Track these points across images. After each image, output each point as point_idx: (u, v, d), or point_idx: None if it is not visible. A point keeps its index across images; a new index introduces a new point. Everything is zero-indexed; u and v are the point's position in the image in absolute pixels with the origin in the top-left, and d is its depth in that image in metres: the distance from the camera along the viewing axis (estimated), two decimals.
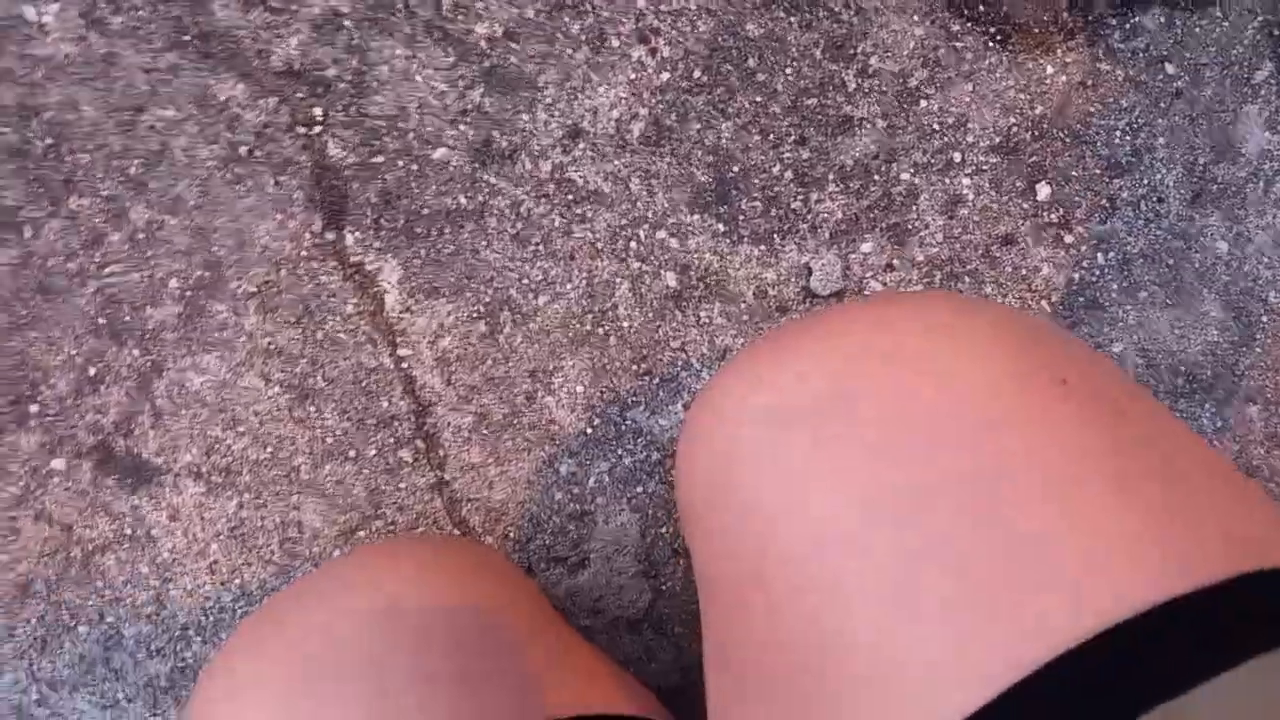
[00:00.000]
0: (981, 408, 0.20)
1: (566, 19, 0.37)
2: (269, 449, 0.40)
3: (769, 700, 0.21)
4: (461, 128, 0.38)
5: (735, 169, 0.39)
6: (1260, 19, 0.40)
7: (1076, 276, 0.42)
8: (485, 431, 0.40)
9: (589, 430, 0.42)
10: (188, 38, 0.36)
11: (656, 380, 0.41)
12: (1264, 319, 0.42)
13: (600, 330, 0.40)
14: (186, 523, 0.42)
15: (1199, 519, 0.19)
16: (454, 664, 0.24)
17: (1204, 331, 0.43)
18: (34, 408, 0.40)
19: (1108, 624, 0.16)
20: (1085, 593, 0.17)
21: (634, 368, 0.41)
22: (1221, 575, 0.17)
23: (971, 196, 0.40)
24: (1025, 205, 0.40)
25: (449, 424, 0.41)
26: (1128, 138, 0.40)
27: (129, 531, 0.42)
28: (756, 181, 0.40)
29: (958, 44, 0.38)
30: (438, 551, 0.31)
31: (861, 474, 0.20)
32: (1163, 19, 0.39)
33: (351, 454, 0.40)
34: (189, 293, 0.38)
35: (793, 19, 0.38)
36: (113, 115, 0.37)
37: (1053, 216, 0.40)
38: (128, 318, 0.39)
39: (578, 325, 0.40)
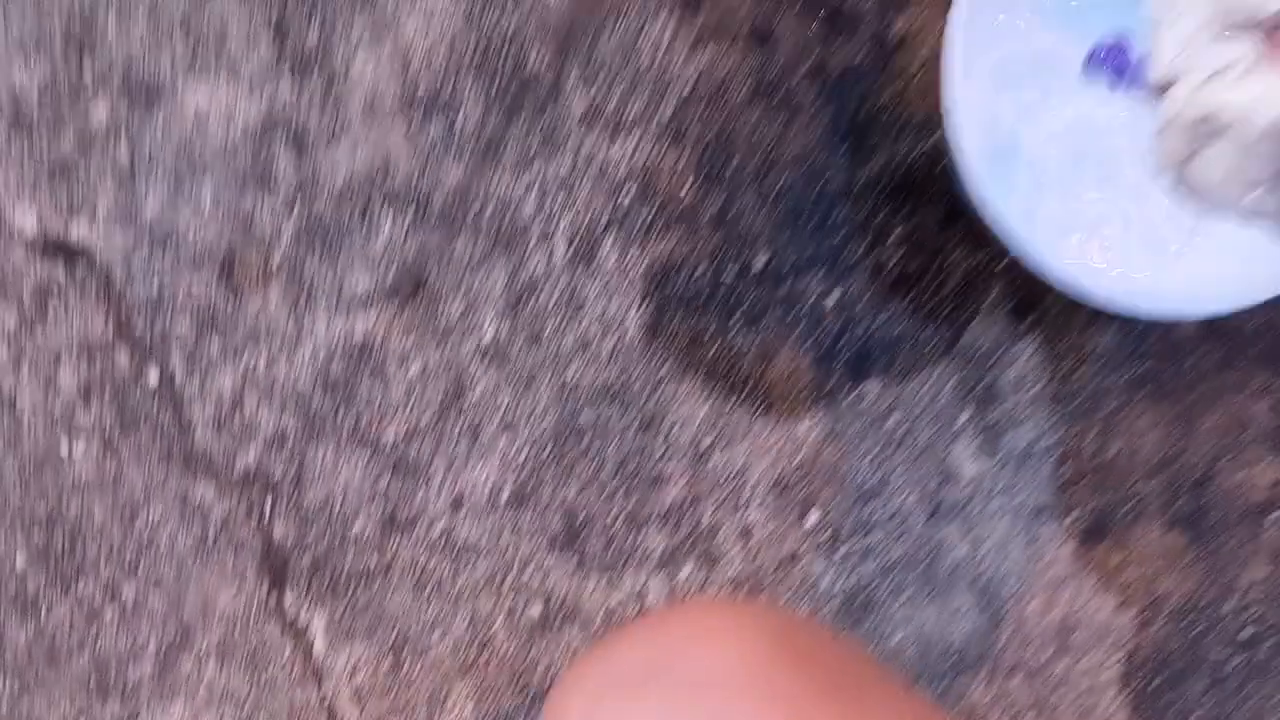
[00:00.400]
0: (735, 691, 0.32)
1: (450, 423, 0.54)
2: None
3: None
4: (374, 506, 0.53)
5: (581, 517, 0.55)
6: (955, 377, 0.57)
7: (851, 583, 0.56)
8: None
9: None
10: (174, 454, 0.53)
11: (532, 694, 0.55)
12: (1008, 604, 0.57)
13: (482, 658, 0.54)
14: None
15: None
16: None
17: (963, 619, 0.57)
18: None
19: None
20: None
21: (511, 687, 0.54)
22: None
23: (758, 526, 0.55)
24: (801, 530, 0.56)
25: None
26: (873, 472, 0.56)
27: None
28: (598, 526, 0.55)
29: (733, 415, 0.55)
30: None
31: None
32: (881, 385, 0.56)
33: None
34: (163, 651, 0.53)
35: (613, 408, 0.55)
36: (116, 517, 0.52)
37: (823, 537, 0.56)
38: (112, 676, 0.53)
39: (464, 654, 0.54)
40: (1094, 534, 0.56)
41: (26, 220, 0.52)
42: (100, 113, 0.52)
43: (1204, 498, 0.57)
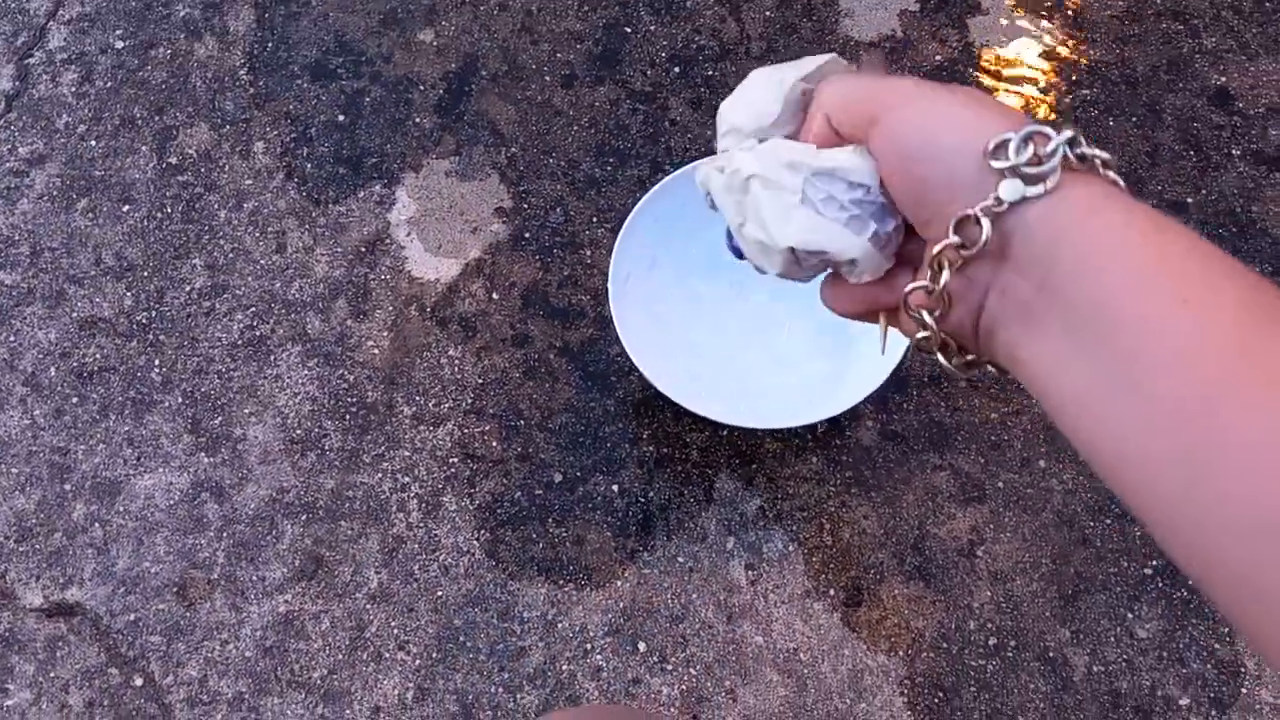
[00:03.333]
0: None
1: (360, 653, 0.91)
2: None
3: None
4: None
5: (470, 698, 0.93)
6: (715, 518, 0.97)
7: (685, 687, 0.94)
8: None
9: None
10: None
11: None
12: (806, 670, 0.93)
13: None
14: None
15: None
16: None
17: (775, 690, 0.93)
18: None
19: None
20: None
21: None
22: None
23: (605, 664, 0.92)
24: (636, 658, 0.93)
25: None
26: (678, 600, 0.95)
27: None
28: (484, 701, 0.92)
29: (566, 588, 0.94)
30: None
31: None
32: (666, 538, 0.96)
33: None
34: None
35: (476, 609, 0.93)
36: None
37: (654, 659, 0.93)
38: None
39: None
40: (853, 600, 0.96)
41: (34, 598, 0.95)
42: (79, 511, 0.97)
43: (924, 552, 0.98)
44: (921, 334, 0.37)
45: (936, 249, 0.34)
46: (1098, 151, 0.33)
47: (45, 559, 1.01)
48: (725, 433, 1.06)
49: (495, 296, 1.12)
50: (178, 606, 0.99)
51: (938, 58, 1.24)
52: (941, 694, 0.98)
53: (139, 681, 0.96)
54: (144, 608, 0.99)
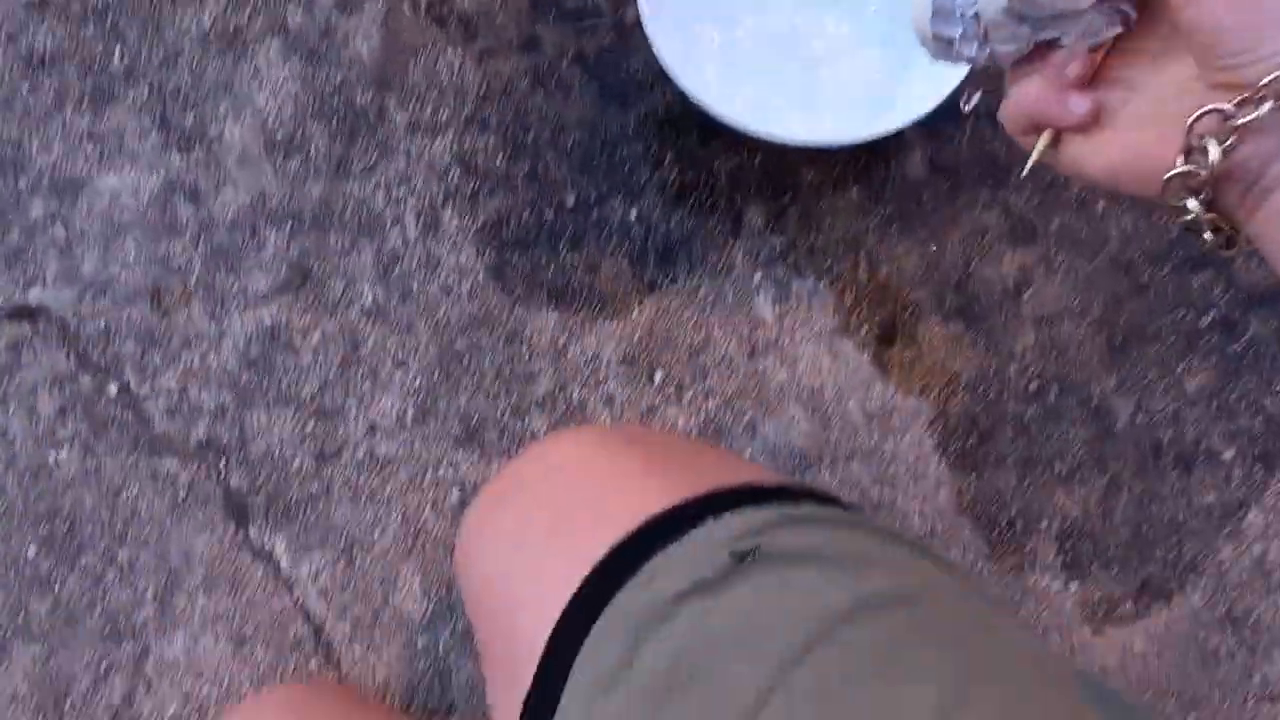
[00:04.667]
0: (581, 463, 0.70)
1: (353, 371, 0.94)
2: (224, 686, 0.89)
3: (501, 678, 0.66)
4: (306, 445, 0.93)
5: (475, 419, 0.95)
6: (742, 250, 0.98)
7: (701, 419, 0.98)
8: (361, 632, 0.91)
9: (430, 611, 0.92)
10: (140, 443, 0.92)
11: None
12: (830, 407, 0.96)
13: (420, 543, 0.93)
14: None
15: (686, 475, 0.67)
16: None
17: (797, 427, 0.97)
18: (68, 704, 0.89)
19: (638, 524, 0.62)
20: (642, 512, 0.63)
21: (448, 559, 0.92)
22: (700, 492, 0.64)
23: (618, 393, 0.95)
24: (652, 388, 0.96)
25: (336, 634, 0.91)
26: (698, 333, 0.97)
27: None
28: (490, 423, 0.96)
29: (578, 316, 0.96)
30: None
31: (523, 517, 0.68)
32: (688, 269, 0.98)
33: (279, 674, 0.88)
34: (159, 594, 0.90)
35: (481, 331, 0.96)
36: (103, 500, 0.91)
37: (670, 389, 0.96)
38: (122, 623, 0.90)
39: (404, 543, 0.92)
40: (886, 339, 0.99)
41: None
42: (38, 209, 0.96)
43: (967, 292, 1.00)
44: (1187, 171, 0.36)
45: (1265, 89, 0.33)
46: None
47: (3, 257, 1.01)
48: (757, 160, 1.06)
49: None
50: (152, 314, 1.00)
51: None
52: (975, 437, 1.03)
53: (113, 390, 0.99)
54: (114, 314, 1.00)
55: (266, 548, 0.98)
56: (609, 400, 1.02)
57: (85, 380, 1.01)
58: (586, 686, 0.48)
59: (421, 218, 1.06)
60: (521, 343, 1.03)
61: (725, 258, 1.06)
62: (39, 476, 0.99)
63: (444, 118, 1.08)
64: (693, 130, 1.09)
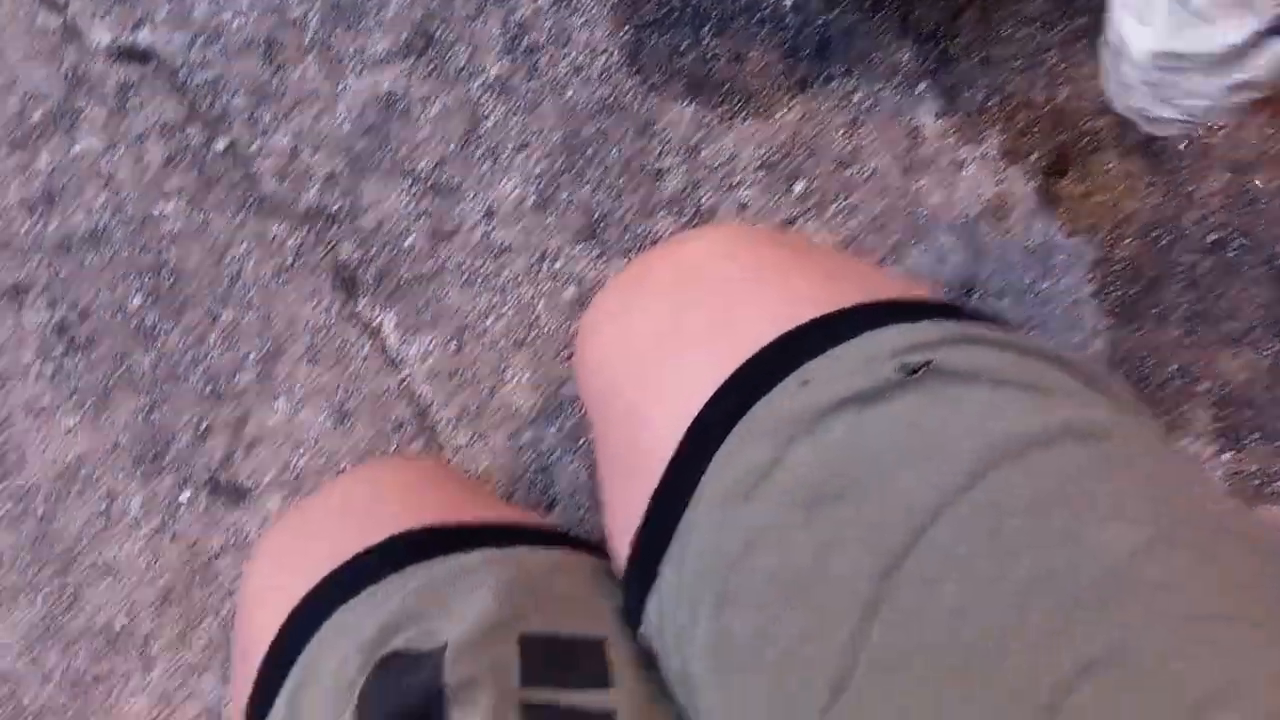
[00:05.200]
0: (725, 260, 0.61)
1: (473, 149, 0.85)
2: (324, 459, 0.84)
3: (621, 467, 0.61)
4: (420, 222, 0.85)
5: (597, 213, 0.86)
6: (909, 52, 0.86)
7: (842, 236, 0.89)
8: (466, 419, 0.84)
9: (538, 405, 0.85)
10: (248, 203, 0.85)
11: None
12: (987, 238, 0.85)
13: (532, 335, 0.85)
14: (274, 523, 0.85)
15: (840, 283, 0.58)
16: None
17: (949, 256, 0.86)
18: (167, 458, 0.85)
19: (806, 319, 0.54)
20: (793, 316, 0.55)
21: (560, 355, 0.85)
22: (855, 301, 0.56)
23: (753, 201, 0.85)
24: (791, 198, 0.86)
25: (441, 419, 0.85)
26: (848, 143, 0.86)
27: (234, 540, 0.85)
28: (613, 219, 0.86)
29: (717, 111, 0.86)
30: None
31: (656, 315, 0.60)
32: (844, 69, 0.86)
33: (379, 453, 0.83)
34: (262, 360, 0.84)
35: (611, 118, 0.86)
36: (208, 258, 0.85)
37: (812, 201, 0.86)
38: (224, 385, 0.85)
39: (516, 334, 0.85)
40: (1056, 170, 0.86)
41: (102, 36, 0.86)
42: None
43: None
44: None
45: None
46: None
47: None
48: None
49: None
50: (265, 68, 0.92)
51: None
52: (1140, 287, 0.91)
53: (222, 145, 0.91)
54: (226, 64, 0.92)
55: (374, 324, 0.92)
56: (742, 207, 0.92)
57: (194, 132, 0.94)
58: (725, 488, 0.44)
59: None
60: (653, 136, 0.93)
61: (888, 59, 0.93)
62: (145, 226, 0.93)
63: None
64: None
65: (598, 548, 0.58)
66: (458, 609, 0.49)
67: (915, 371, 0.43)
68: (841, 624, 0.38)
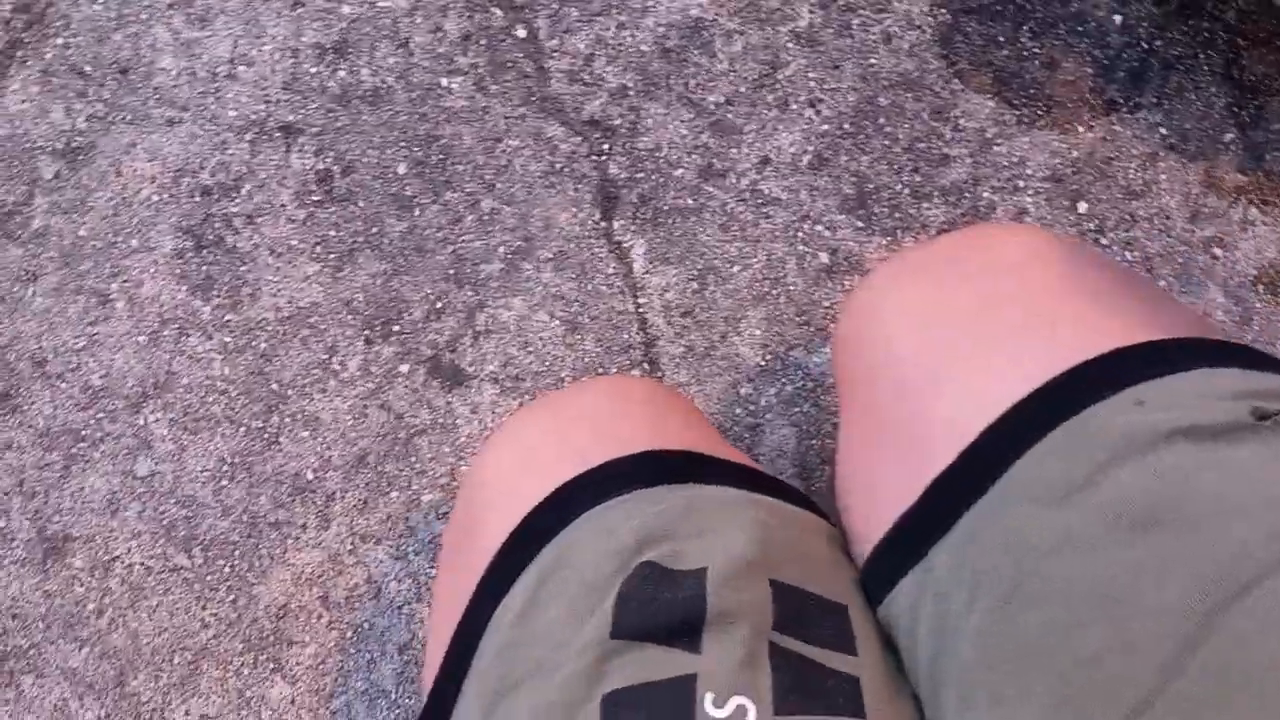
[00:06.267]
0: (1041, 262, 0.54)
1: (764, 94, 0.79)
2: (546, 364, 0.80)
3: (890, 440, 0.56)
4: (694, 156, 0.80)
5: (871, 186, 0.80)
6: (1225, 100, 0.78)
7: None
8: (691, 359, 0.79)
9: (763, 363, 0.80)
10: (533, 97, 0.79)
11: (813, 329, 0.80)
12: (1256, 303, 0.78)
13: (774, 292, 0.80)
14: (483, 416, 0.80)
15: (1169, 313, 0.52)
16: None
17: (1212, 315, 0.78)
18: (396, 328, 0.81)
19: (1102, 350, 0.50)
20: (1124, 334, 0.52)
21: (797, 319, 0.80)
22: (1189, 334, 0.52)
23: (1031, 209, 0.79)
24: (1070, 217, 0.79)
25: (666, 353, 0.80)
26: (1141, 174, 0.79)
27: (441, 421, 0.81)
28: (885, 194, 0.80)
29: (1018, 112, 0.79)
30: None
31: (959, 302, 0.53)
32: (1156, 100, 0.78)
33: (599, 371, 0.78)
34: (510, 255, 0.80)
35: (908, 95, 0.79)
36: (481, 143, 0.80)
37: (1090, 225, 0.79)
38: (468, 270, 0.80)
39: (759, 288, 0.79)
40: None
41: None
42: None
43: None
44: None
45: None
46: None
47: None
48: None
49: None
50: None
51: None
52: None
53: (522, 33, 0.86)
54: None
55: (625, 245, 0.87)
56: (1019, 213, 0.85)
57: (497, 13, 0.88)
58: (1037, 487, 0.41)
59: None
60: (947, 121, 0.86)
61: (1202, 101, 0.85)
62: (427, 97, 0.88)
63: None
64: None
65: (827, 517, 0.55)
66: (716, 540, 0.46)
67: (1266, 418, 0.40)
68: (1154, 650, 0.36)
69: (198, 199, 0.91)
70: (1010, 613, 0.40)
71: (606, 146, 0.87)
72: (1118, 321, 0.47)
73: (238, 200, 0.90)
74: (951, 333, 0.50)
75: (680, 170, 0.87)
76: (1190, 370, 0.43)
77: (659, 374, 0.85)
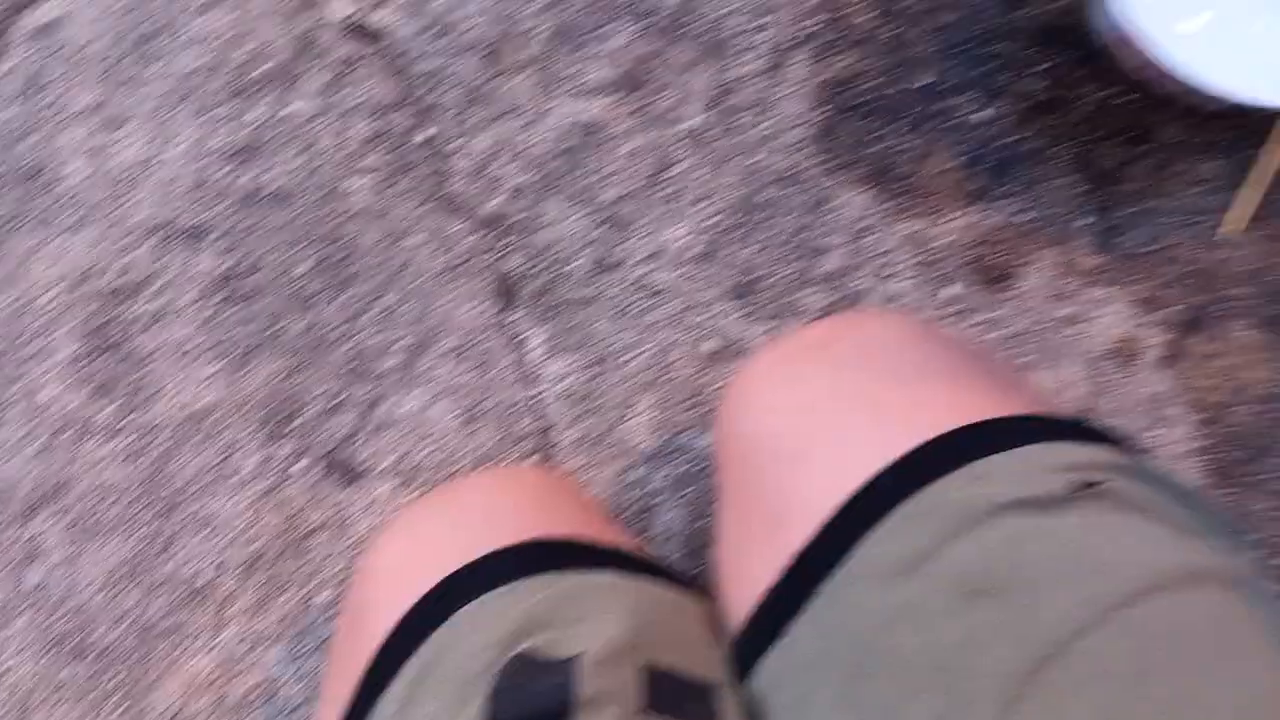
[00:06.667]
0: (902, 345, 0.57)
1: (655, 191, 0.82)
2: (444, 455, 0.80)
3: (752, 514, 0.58)
4: (589, 249, 0.82)
5: (754, 275, 0.83)
6: (1080, 189, 0.83)
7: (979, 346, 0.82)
8: (586, 445, 0.81)
9: (654, 447, 0.81)
10: (435, 196, 0.81)
11: (702, 413, 0.82)
12: (1109, 377, 0.81)
13: (665, 378, 0.82)
14: (379, 510, 0.80)
15: (1015, 389, 0.55)
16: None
17: (1072, 389, 0.82)
18: (294, 425, 0.81)
19: (938, 432, 0.52)
20: (971, 411, 0.54)
21: (686, 403, 0.82)
22: (1032, 410, 0.55)
23: (902, 295, 0.82)
24: (936, 300, 0.82)
25: (562, 440, 0.81)
26: (1003, 256, 0.82)
27: (336, 517, 0.80)
28: (768, 283, 0.83)
29: (890, 203, 0.83)
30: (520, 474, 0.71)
31: (825, 385, 0.56)
32: (1018, 190, 0.82)
33: (497, 460, 0.79)
34: (410, 348, 0.81)
35: (789, 189, 0.82)
36: (383, 240, 0.81)
37: (957, 308, 0.82)
38: (367, 365, 0.81)
39: (650, 374, 0.81)
40: (1191, 327, 0.83)
41: (342, 9, 0.83)
42: None
43: None
44: None
45: None
46: None
47: None
48: (1128, 100, 0.89)
49: None
50: (484, 72, 0.89)
51: None
52: (1244, 453, 0.87)
53: (424, 135, 0.88)
54: (449, 60, 0.89)
55: (522, 336, 0.87)
56: (891, 298, 0.88)
57: (401, 118, 0.90)
58: (883, 562, 0.43)
59: (772, 54, 0.91)
60: (825, 213, 0.89)
61: (1061, 189, 0.90)
62: (331, 197, 0.89)
63: None
64: (1076, 47, 0.91)
65: (706, 593, 0.56)
66: (589, 625, 0.47)
67: (1087, 488, 0.43)
68: (981, 713, 0.38)
69: (102, 302, 0.90)
70: (854, 687, 0.41)
71: (505, 242, 0.89)
72: (966, 400, 0.49)
73: (142, 302, 0.89)
74: (817, 415, 0.52)
75: (576, 263, 0.89)
76: (1028, 445, 0.45)
77: (555, 461, 0.86)
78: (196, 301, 0.88)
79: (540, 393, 0.86)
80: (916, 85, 0.90)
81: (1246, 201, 0.91)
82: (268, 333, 0.87)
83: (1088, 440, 0.47)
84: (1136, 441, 0.85)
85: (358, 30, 0.91)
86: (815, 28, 0.91)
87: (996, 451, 0.45)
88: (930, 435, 0.46)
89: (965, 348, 0.60)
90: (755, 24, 0.91)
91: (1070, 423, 0.49)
